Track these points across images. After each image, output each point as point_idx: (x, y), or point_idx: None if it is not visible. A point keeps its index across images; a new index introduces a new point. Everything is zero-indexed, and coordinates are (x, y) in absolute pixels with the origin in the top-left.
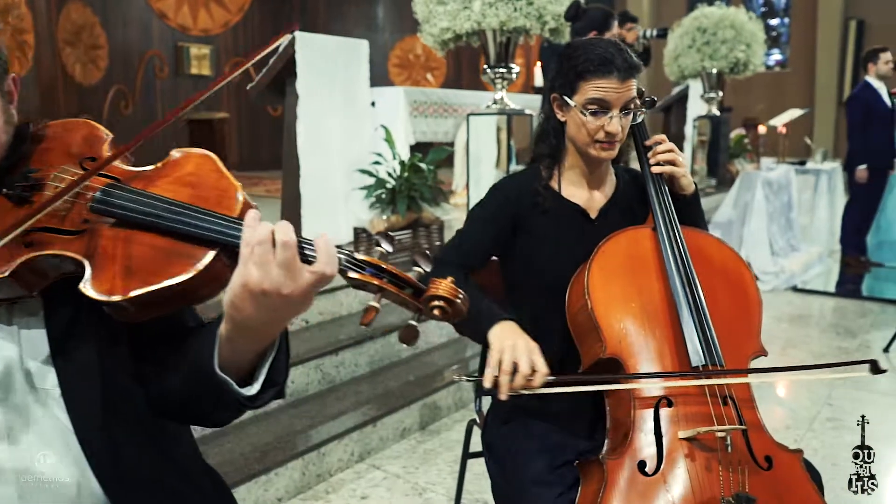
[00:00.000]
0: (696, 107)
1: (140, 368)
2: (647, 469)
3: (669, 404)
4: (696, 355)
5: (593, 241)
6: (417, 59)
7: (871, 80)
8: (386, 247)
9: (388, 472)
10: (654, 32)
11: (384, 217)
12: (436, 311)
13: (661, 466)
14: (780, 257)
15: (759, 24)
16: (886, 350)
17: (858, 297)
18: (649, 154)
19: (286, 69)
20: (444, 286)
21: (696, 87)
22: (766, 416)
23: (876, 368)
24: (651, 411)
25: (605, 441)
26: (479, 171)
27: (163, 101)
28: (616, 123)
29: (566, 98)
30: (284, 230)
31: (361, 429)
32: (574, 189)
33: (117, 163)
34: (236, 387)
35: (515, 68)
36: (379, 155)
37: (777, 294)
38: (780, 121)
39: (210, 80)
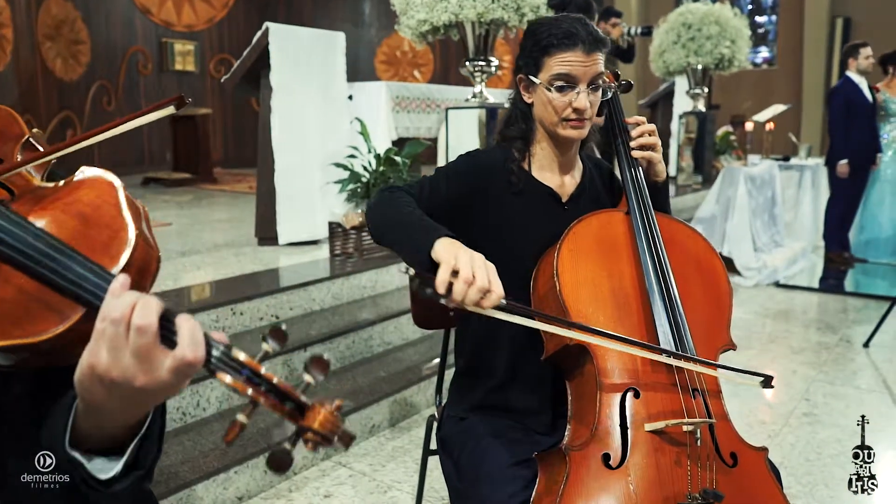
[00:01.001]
0: (683, 103)
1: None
2: (611, 462)
3: (637, 395)
4: (666, 342)
5: (565, 226)
6: (405, 56)
7: (851, 74)
8: (272, 345)
9: (354, 470)
10: (639, 30)
11: (358, 211)
12: (308, 446)
13: (626, 459)
14: (763, 253)
15: (745, 20)
16: (867, 345)
17: (841, 293)
18: (633, 136)
19: (260, 61)
20: (323, 418)
21: (682, 84)
22: (743, 410)
23: (767, 383)
24: (617, 401)
25: (567, 431)
26: None
27: (147, 97)
28: (584, 98)
29: (531, 77)
30: (145, 311)
31: None
32: (545, 173)
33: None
34: (87, 467)
35: (495, 61)
36: (355, 149)
37: (760, 289)
38: (764, 116)
39: (195, 76)
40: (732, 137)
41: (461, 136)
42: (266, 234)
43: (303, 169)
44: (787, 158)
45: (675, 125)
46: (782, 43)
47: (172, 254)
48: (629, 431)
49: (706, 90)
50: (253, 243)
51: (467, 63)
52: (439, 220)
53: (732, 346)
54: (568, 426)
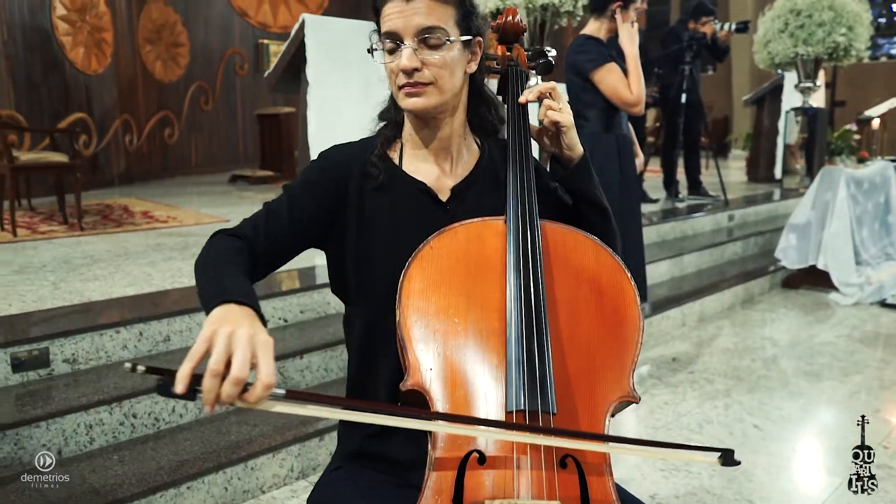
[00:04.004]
0: (794, 99)
1: None
2: None
3: (481, 460)
4: (515, 396)
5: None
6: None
7: None
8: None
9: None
10: (734, 26)
11: None
12: None
13: None
14: (868, 267)
15: (865, 4)
16: None
17: None
18: (529, 97)
19: (299, 55)
20: None
21: (793, 78)
22: (792, 454)
23: (728, 459)
24: (455, 467)
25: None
26: None
27: (242, 97)
28: (407, 56)
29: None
30: None
31: (305, 442)
32: (417, 164)
33: None
34: None
35: (552, 51)
36: None
37: (861, 309)
38: (877, 111)
39: None
40: (857, 137)
41: None
42: None
43: None
44: None
45: (781, 123)
46: None
47: None
48: None
49: (818, 84)
50: None
51: (538, 47)
52: (299, 247)
53: (632, 399)
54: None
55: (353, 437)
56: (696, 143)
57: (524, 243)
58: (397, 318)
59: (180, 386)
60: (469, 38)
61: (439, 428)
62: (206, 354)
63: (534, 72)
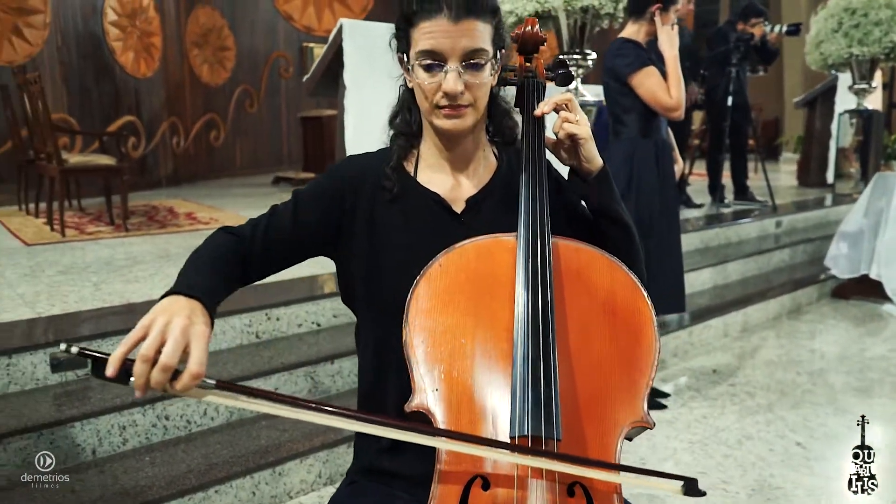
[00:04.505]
0: (848, 101)
1: None
2: None
3: (485, 486)
4: (519, 421)
5: (457, 242)
6: (541, 53)
7: None
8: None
9: None
10: (784, 28)
11: None
12: None
13: None
14: None
15: None
16: None
17: None
18: (543, 109)
19: (337, 60)
20: None
21: (847, 80)
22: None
23: (691, 489)
24: (458, 493)
25: None
26: None
27: (287, 99)
28: (453, 80)
29: (405, 55)
30: None
31: (333, 448)
32: (432, 174)
33: None
34: None
35: (592, 55)
36: None
37: None
38: None
39: None
40: None
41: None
42: None
43: None
44: None
45: (834, 126)
46: None
47: None
48: None
49: (874, 85)
50: None
51: (560, 57)
52: (299, 253)
53: (647, 425)
54: None
55: (367, 451)
56: (742, 147)
57: (534, 261)
58: (404, 338)
59: (111, 369)
60: (499, 51)
61: (426, 440)
62: (142, 341)
63: (553, 83)
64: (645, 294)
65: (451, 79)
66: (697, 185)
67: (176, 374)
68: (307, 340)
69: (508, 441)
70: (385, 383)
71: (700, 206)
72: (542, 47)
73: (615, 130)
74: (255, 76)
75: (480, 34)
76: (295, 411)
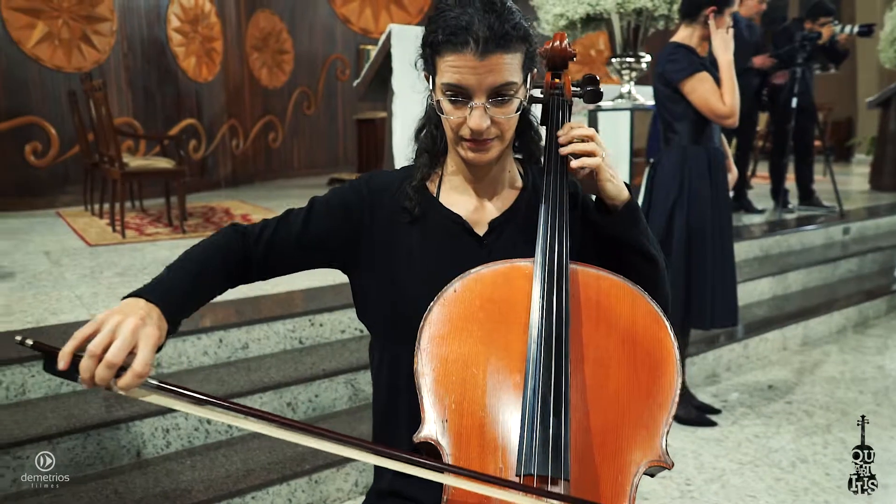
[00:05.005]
0: None
1: None
2: None
3: None
4: (525, 460)
5: (478, 265)
6: (600, 55)
7: None
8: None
9: None
10: (856, 29)
11: None
12: None
13: None
14: None
15: None
16: None
17: None
18: (561, 142)
19: (386, 65)
20: None
21: None
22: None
23: None
24: None
25: None
26: None
27: (343, 101)
28: (478, 117)
29: (433, 79)
30: None
31: None
32: (457, 196)
33: None
34: None
35: (646, 57)
36: None
37: None
38: None
39: None
40: None
41: (608, 139)
42: None
43: None
44: None
45: None
46: None
47: None
48: None
49: None
50: None
51: (613, 60)
52: (305, 261)
53: (664, 465)
54: None
55: (385, 474)
56: (808, 150)
57: (550, 289)
58: (415, 365)
59: (62, 363)
60: (529, 74)
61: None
62: (92, 337)
63: (581, 100)
64: (668, 325)
65: (476, 115)
66: (760, 189)
67: (121, 372)
68: (350, 347)
69: (516, 479)
70: (397, 403)
71: (762, 211)
72: (570, 62)
73: (666, 138)
74: (312, 78)
75: (508, 66)
76: (242, 419)
